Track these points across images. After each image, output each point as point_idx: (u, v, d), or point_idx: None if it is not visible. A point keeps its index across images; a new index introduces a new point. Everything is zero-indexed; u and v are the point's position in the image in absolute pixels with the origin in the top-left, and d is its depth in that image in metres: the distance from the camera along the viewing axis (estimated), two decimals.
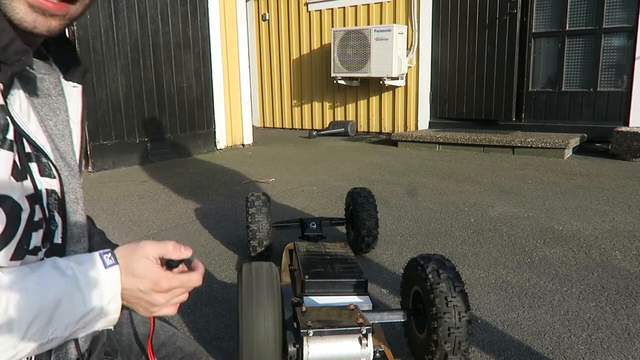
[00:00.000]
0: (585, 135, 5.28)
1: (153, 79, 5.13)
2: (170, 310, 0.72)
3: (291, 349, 1.16)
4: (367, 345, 1.14)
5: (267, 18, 7.62)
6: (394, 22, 6.42)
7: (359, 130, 7.04)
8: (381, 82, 6.44)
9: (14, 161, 0.64)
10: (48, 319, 0.60)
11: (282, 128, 7.82)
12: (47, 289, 0.61)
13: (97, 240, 0.91)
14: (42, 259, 0.69)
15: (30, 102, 0.71)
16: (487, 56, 5.89)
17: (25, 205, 0.65)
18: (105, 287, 0.65)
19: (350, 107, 7.11)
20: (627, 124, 5.21)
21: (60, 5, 0.66)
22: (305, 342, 1.13)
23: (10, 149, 0.63)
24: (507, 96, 5.82)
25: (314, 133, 6.78)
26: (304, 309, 1.22)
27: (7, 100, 0.65)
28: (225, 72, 5.88)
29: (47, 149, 0.71)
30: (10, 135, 0.64)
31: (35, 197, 0.67)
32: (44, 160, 0.70)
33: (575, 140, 4.99)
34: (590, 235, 2.63)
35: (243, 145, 6.19)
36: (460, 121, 6.22)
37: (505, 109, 5.84)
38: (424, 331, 1.36)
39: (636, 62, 5.10)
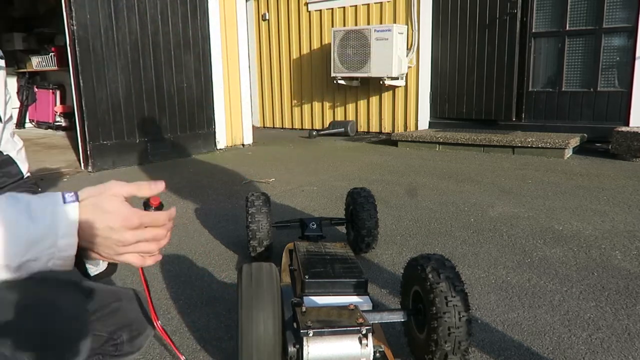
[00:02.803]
0: (585, 135, 5.28)
1: (153, 79, 5.13)
2: (136, 259, 0.71)
3: (291, 349, 1.16)
4: (367, 345, 1.14)
5: (267, 18, 7.62)
6: (394, 22, 6.43)
7: (359, 130, 7.05)
8: (381, 82, 6.44)
9: None
10: None
11: (282, 128, 7.82)
12: None
13: None
14: None
15: None
16: (487, 56, 5.89)
17: None
18: (60, 221, 0.64)
19: (350, 107, 7.11)
20: (627, 124, 5.21)
21: None
22: (305, 342, 1.13)
23: None
24: (507, 96, 5.82)
25: (314, 133, 6.78)
26: (304, 309, 1.22)
27: None
28: (225, 72, 5.88)
29: None
30: None
31: None
32: None
33: (575, 140, 4.99)
34: (590, 235, 2.63)
35: (243, 145, 6.19)
36: (460, 121, 6.22)
37: (505, 109, 5.84)
38: (424, 331, 1.36)
39: (636, 62, 5.10)
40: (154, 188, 0.73)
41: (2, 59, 0.92)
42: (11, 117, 0.97)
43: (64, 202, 0.65)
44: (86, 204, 0.67)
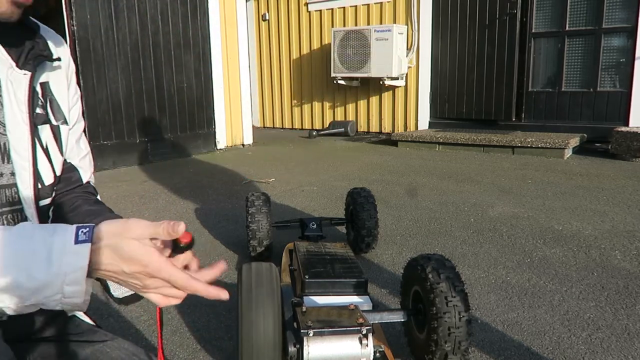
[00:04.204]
0: (585, 135, 5.28)
1: (153, 79, 5.13)
2: (159, 299, 0.64)
3: (291, 349, 1.16)
4: (367, 345, 1.14)
5: (267, 18, 7.62)
6: (394, 22, 6.43)
7: (359, 130, 7.05)
8: (381, 82, 6.44)
9: None
10: None
11: (282, 128, 7.83)
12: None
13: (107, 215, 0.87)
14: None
15: None
16: (487, 56, 5.89)
17: None
18: (67, 266, 0.57)
19: (350, 107, 7.11)
20: (627, 124, 5.21)
21: None
22: (305, 342, 1.13)
23: None
24: (507, 96, 5.82)
25: (314, 133, 6.78)
26: (304, 309, 1.22)
27: None
28: (225, 72, 5.88)
29: None
30: None
31: None
32: None
33: (575, 140, 4.99)
34: (590, 235, 2.63)
35: (243, 145, 6.20)
36: (460, 121, 6.22)
37: (505, 109, 5.85)
38: (424, 331, 1.36)
39: (636, 62, 5.10)
40: (173, 230, 0.62)
41: (57, 60, 0.84)
42: (76, 122, 0.93)
43: (76, 241, 0.58)
44: (101, 247, 0.60)
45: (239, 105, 6.15)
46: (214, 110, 5.79)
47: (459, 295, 1.30)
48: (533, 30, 5.63)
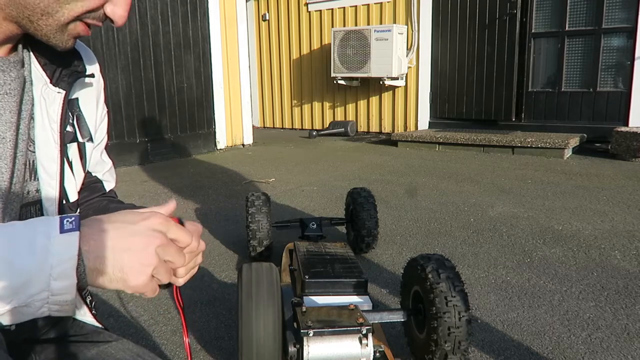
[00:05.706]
0: (584, 135, 5.29)
1: (153, 79, 5.13)
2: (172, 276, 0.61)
3: (291, 349, 1.16)
4: (367, 345, 1.14)
5: (267, 18, 7.62)
6: (394, 22, 6.43)
7: (359, 130, 7.05)
8: (381, 82, 6.44)
9: None
10: None
11: (282, 128, 7.83)
12: None
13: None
14: None
15: None
16: (487, 56, 5.89)
17: None
18: (53, 258, 0.50)
19: (350, 107, 7.11)
20: (626, 124, 5.21)
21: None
22: (305, 342, 1.13)
23: None
24: (507, 96, 5.82)
25: (314, 133, 6.78)
26: (304, 309, 1.22)
27: None
28: (225, 72, 5.88)
29: None
30: None
31: None
32: None
33: (575, 140, 4.99)
34: (590, 235, 2.63)
35: (243, 145, 6.20)
36: (460, 121, 6.22)
37: (505, 109, 5.85)
38: (424, 331, 1.36)
39: (636, 62, 5.10)
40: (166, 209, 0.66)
41: (91, 76, 0.83)
42: (102, 138, 0.93)
43: (62, 230, 0.51)
44: (93, 232, 0.54)
45: (239, 105, 6.15)
46: (214, 110, 5.79)
47: (458, 295, 1.30)
48: (533, 30, 5.64)
